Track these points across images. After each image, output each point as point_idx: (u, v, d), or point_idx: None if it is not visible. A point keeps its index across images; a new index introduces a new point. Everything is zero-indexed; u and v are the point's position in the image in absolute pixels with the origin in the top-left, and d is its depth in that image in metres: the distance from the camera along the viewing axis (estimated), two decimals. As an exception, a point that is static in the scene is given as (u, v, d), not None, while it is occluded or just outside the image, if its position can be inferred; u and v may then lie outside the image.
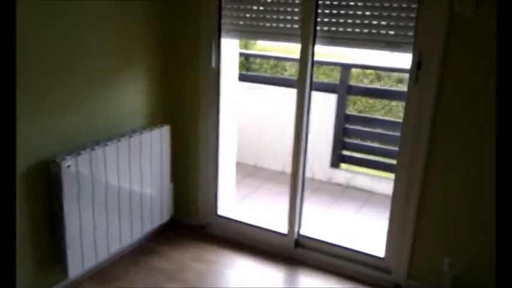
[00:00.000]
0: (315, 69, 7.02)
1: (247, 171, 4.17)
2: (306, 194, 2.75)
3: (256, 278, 2.53)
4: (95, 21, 2.29)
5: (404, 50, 2.22)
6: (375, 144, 4.09)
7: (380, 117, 4.86)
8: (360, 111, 5.37)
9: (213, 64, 2.69)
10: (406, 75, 2.25)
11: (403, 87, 5.99)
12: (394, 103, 5.30)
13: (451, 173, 2.19)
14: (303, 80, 2.47)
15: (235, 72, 3.02)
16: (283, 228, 2.73)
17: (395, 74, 5.60)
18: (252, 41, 6.09)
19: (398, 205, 2.36)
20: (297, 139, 2.57)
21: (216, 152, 2.87)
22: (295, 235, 2.68)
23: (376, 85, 5.55)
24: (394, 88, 5.16)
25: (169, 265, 2.58)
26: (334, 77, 7.06)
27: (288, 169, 4.24)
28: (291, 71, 6.84)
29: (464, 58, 2.06)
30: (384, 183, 3.88)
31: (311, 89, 2.50)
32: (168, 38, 2.73)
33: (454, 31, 2.05)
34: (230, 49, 2.84)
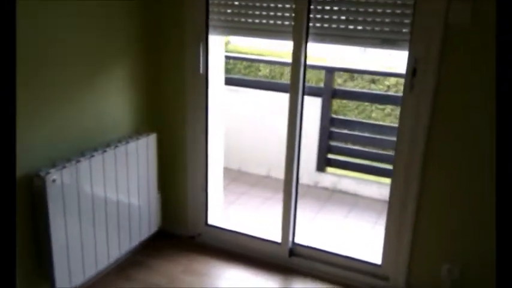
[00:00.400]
0: (288, 69, 6.97)
1: (232, 177, 4.09)
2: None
3: (251, 289, 2.46)
4: (74, 23, 2.16)
5: (400, 48, 2.18)
6: (360, 148, 4.09)
7: (365, 120, 4.88)
8: (335, 111, 5.39)
9: (201, 70, 2.61)
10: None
11: (377, 89, 6.08)
12: (366, 104, 5.36)
13: (448, 178, 2.18)
14: (296, 82, 2.39)
15: (222, 76, 2.94)
16: (277, 237, 2.67)
17: (367, 76, 5.68)
18: (226, 41, 6.03)
19: (395, 211, 2.34)
20: (290, 145, 2.51)
21: (205, 159, 2.78)
22: (290, 244, 2.63)
23: (349, 85, 5.60)
24: (381, 92, 5.19)
25: (160, 279, 2.48)
26: (313, 80, 7.12)
27: (273, 173, 4.27)
28: (264, 71, 6.81)
29: (461, 64, 2.06)
30: (369, 187, 3.89)
31: (303, 93, 2.45)
32: (152, 39, 2.62)
33: (450, 38, 2.04)
34: (217, 51, 2.75)
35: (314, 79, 6.81)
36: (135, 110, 2.63)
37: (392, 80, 6.28)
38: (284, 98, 4.03)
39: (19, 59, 1.89)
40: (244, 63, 6.34)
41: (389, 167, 3.93)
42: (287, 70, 6.82)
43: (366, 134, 4.02)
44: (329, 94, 3.89)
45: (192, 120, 2.70)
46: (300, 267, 2.60)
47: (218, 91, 2.84)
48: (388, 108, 5.96)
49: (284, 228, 2.62)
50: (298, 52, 2.35)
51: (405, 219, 2.30)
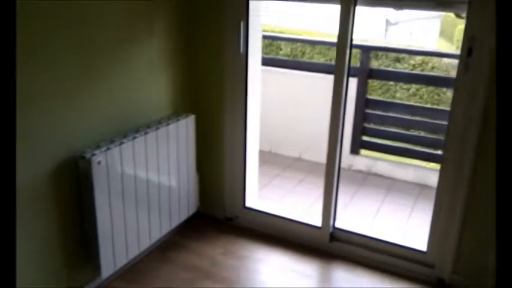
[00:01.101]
0: (309, 48, 6.88)
1: (264, 159, 4.03)
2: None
3: (291, 273, 2.43)
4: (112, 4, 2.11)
5: (457, 9, 2.05)
6: (396, 130, 3.99)
7: (401, 101, 4.74)
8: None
9: (241, 49, 2.54)
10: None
11: (402, 68, 5.91)
12: (391, 83, 5.22)
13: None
14: (341, 61, 2.28)
15: (259, 55, 2.86)
16: (316, 221, 2.63)
17: (391, 54, 5.51)
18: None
19: (444, 196, 2.26)
20: (333, 128, 2.44)
21: (244, 140, 2.73)
22: (330, 228, 2.58)
23: (374, 64, 5.44)
24: (419, 72, 5.01)
25: (201, 261, 2.48)
26: (330, 57, 6.95)
27: (305, 156, 4.21)
28: (286, 50, 6.67)
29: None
30: (405, 170, 3.80)
31: (349, 73, 2.35)
32: (190, 18, 2.55)
33: None
34: (256, 30, 2.67)
35: (331, 55, 6.65)
36: (173, 91, 2.59)
37: (418, 58, 6.10)
38: (318, 79, 4.01)
39: (58, 40, 1.86)
40: (266, 41, 6.21)
41: (428, 150, 3.87)
42: (308, 49, 6.67)
43: (402, 116, 3.91)
44: (365, 74, 3.78)
45: (231, 101, 2.65)
46: (341, 252, 2.56)
47: (256, 71, 2.77)
48: (413, 87, 5.80)
49: (325, 212, 2.58)
50: (347, 17, 2.19)
51: (455, 206, 2.22)
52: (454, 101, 2.14)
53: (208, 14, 2.54)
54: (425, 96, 5.98)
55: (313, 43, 5.45)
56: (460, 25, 12.89)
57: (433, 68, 6.23)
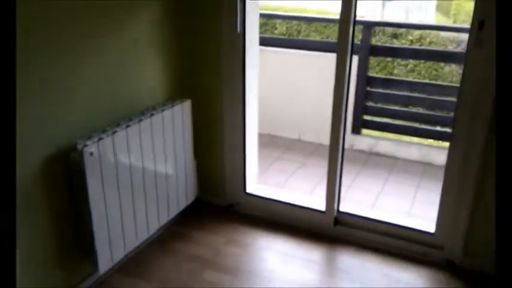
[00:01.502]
0: (305, 26, 6.68)
1: (263, 142, 3.94)
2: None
3: (296, 260, 2.36)
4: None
5: None
6: (399, 108, 3.88)
7: (403, 78, 4.62)
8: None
9: (238, 29, 2.41)
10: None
11: (399, 44, 5.75)
12: (389, 58, 5.10)
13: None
14: (344, 38, 2.17)
15: (257, 35, 2.73)
16: (320, 205, 2.55)
17: (388, 30, 5.36)
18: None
19: (453, 176, 2.17)
20: (336, 108, 2.33)
21: (243, 124, 2.63)
22: (335, 212, 2.50)
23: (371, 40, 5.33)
24: (425, 47, 4.88)
25: (203, 250, 2.40)
26: (327, 34, 6.78)
27: (305, 137, 4.11)
28: (281, 29, 6.50)
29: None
30: (408, 148, 3.72)
31: (352, 49, 2.23)
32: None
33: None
34: (253, 8, 2.54)
35: (334, 36, 6.49)
36: (168, 75, 2.47)
37: (416, 33, 5.95)
38: (316, 57, 3.88)
39: (43, 26, 1.74)
40: (261, 20, 6.05)
41: (431, 127, 3.77)
42: (304, 27, 6.49)
43: (405, 93, 3.79)
44: (366, 51, 3.65)
45: (228, 83, 2.53)
46: (346, 236, 2.49)
47: (254, 51, 2.65)
48: (411, 63, 5.67)
49: (329, 196, 2.49)
50: None
51: (465, 186, 2.13)
52: (464, 77, 2.03)
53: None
54: (423, 72, 5.86)
55: (312, 20, 5.29)
56: (456, -1, 12.71)
57: (431, 42, 6.09)
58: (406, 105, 3.89)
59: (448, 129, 3.67)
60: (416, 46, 4.86)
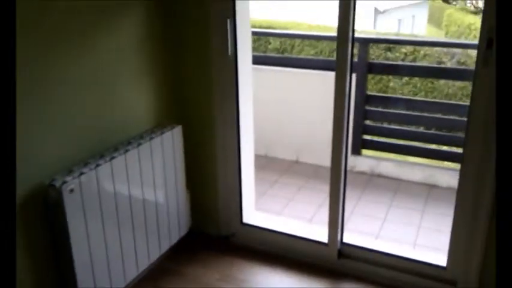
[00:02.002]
0: (298, 40, 6.53)
1: (259, 164, 3.78)
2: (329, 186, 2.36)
3: (297, 297, 2.18)
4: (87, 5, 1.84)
5: None
6: (401, 127, 3.74)
7: (404, 96, 4.50)
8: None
9: (229, 51, 2.27)
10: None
11: (393, 57, 5.66)
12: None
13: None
14: (343, 56, 2.04)
15: (250, 56, 2.59)
16: (322, 235, 2.38)
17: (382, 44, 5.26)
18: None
19: (467, 203, 2.00)
20: (337, 129, 2.17)
21: (237, 151, 2.47)
22: (338, 244, 2.33)
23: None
24: (419, 64, 4.78)
25: (196, 289, 2.22)
26: (320, 49, 6.68)
27: (303, 158, 3.96)
28: (275, 44, 6.40)
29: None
30: (411, 169, 3.56)
31: (352, 67, 2.10)
32: (172, 19, 2.29)
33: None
34: (244, 28, 2.40)
35: (327, 49, 6.39)
36: (156, 100, 2.32)
37: (409, 47, 5.86)
38: (312, 75, 3.75)
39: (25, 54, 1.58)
40: (254, 36, 5.96)
41: (436, 147, 3.64)
42: (298, 42, 6.38)
43: (406, 112, 3.65)
44: (364, 69, 3.52)
45: (221, 109, 2.38)
46: (351, 270, 2.31)
47: (247, 73, 2.50)
48: (405, 77, 5.57)
49: (331, 226, 2.32)
50: (346, 7, 1.95)
51: (478, 213, 1.97)
52: (474, 97, 1.89)
53: (193, 14, 2.27)
54: (418, 84, 5.76)
55: (307, 38, 5.18)
56: (448, 10, 12.73)
57: (425, 55, 6.00)
58: (408, 124, 3.76)
59: (454, 149, 3.53)
60: (415, 63, 4.76)
